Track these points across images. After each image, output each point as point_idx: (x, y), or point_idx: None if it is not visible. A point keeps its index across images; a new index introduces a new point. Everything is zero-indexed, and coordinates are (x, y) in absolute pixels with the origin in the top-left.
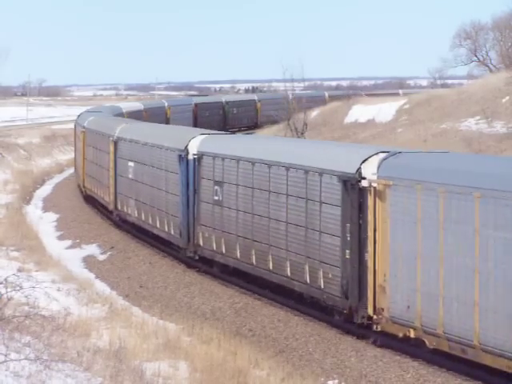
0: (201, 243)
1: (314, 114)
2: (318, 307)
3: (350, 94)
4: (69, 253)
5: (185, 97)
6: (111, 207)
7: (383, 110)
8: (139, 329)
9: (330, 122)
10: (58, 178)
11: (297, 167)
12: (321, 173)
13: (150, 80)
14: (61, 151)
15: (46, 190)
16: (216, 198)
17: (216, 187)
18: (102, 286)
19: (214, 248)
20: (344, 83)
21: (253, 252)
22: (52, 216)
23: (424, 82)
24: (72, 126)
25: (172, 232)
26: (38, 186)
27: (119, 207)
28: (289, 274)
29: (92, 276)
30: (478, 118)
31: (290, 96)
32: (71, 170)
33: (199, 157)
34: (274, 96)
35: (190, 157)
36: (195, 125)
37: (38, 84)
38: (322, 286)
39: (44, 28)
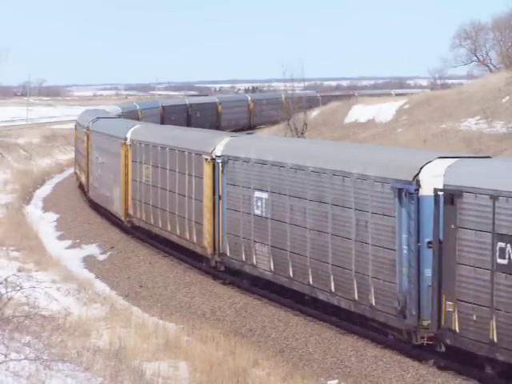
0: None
1: (314, 113)
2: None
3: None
4: (69, 253)
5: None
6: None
7: (383, 110)
8: (139, 329)
9: (329, 122)
10: (58, 178)
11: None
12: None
13: (150, 80)
14: (61, 151)
15: (46, 189)
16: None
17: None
18: (101, 286)
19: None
20: (344, 83)
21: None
22: (52, 216)
23: (424, 82)
24: (72, 125)
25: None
26: (38, 185)
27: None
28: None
29: (92, 276)
30: (477, 117)
31: (249, 98)
32: (71, 170)
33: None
34: (237, 98)
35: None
36: None
37: (38, 84)
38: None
39: (44, 28)
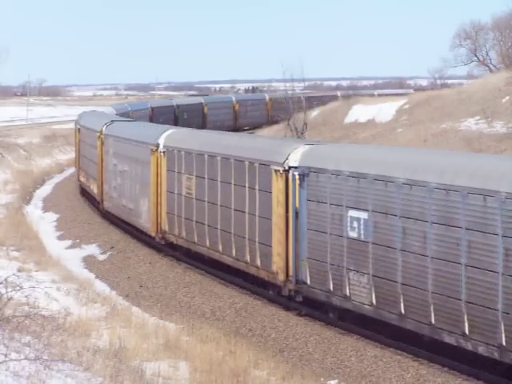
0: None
1: (314, 113)
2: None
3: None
4: (69, 253)
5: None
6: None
7: (383, 110)
8: (139, 329)
9: (329, 122)
10: (58, 178)
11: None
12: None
13: (150, 80)
14: (61, 151)
15: (46, 189)
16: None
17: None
18: (101, 286)
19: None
20: (344, 83)
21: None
22: (52, 216)
23: (424, 82)
24: (72, 125)
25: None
26: (38, 185)
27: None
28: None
29: (92, 276)
30: (477, 117)
31: (233, 99)
32: (71, 170)
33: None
34: (222, 99)
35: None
36: None
37: (38, 84)
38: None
39: (44, 28)
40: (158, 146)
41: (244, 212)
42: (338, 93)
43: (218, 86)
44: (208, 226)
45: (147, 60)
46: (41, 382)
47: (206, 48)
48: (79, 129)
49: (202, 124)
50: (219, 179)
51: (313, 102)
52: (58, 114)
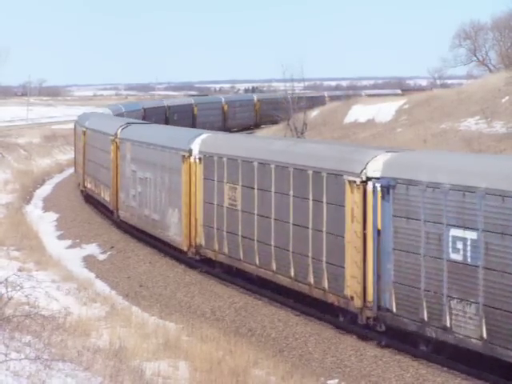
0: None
1: (313, 113)
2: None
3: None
4: (69, 252)
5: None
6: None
7: (383, 110)
8: (139, 328)
9: (329, 122)
10: (58, 178)
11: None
12: None
13: (150, 80)
14: (61, 151)
15: (46, 189)
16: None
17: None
18: (101, 286)
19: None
20: (344, 83)
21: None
22: (52, 216)
23: (424, 82)
24: (72, 125)
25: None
26: (38, 185)
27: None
28: None
29: (92, 276)
30: (477, 117)
31: (222, 100)
32: (71, 170)
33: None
34: (211, 100)
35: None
36: None
37: (38, 84)
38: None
39: (44, 28)
40: (190, 151)
41: (307, 227)
42: (325, 93)
43: (218, 86)
44: (258, 241)
45: (147, 60)
46: (41, 382)
47: (206, 48)
48: (85, 131)
49: (192, 125)
50: (273, 190)
51: (299, 102)
52: (58, 114)
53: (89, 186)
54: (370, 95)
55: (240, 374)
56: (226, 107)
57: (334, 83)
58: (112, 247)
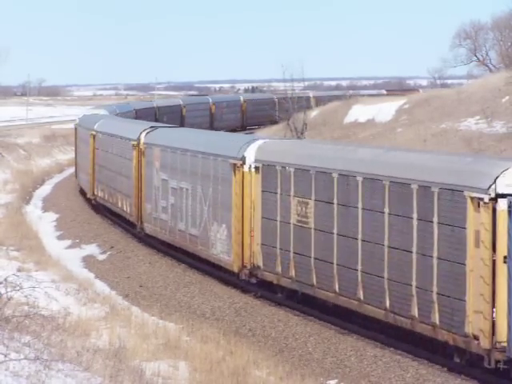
0: None
1: (313, 113)
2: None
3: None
4: (68, 252)
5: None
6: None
7: (383, 110)
8: (139, 328)
9: (329, 122)
10: (57, 178)
11: None
12: None
13: (150, 80)
14: (60, 151)
15: (45, 189)
16: None
17: None
18: (101, 286)
19: None
20: (344, 83)
21: None
22: (52, 216)
23: (424, 82)
24: (72, 125)
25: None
26: (38, 185)
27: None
28: None
29: (92, 276)
30: (477, 117)
31: (210, 101)
32: (71, 170)
33: None
34: (199, 101)
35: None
36: None
37: (38, 84)
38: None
39: (44, 28)
40: (243, 159)
41: (409, 251)
42: (311, 94)
43: (217, 86)
44: (338, 265)
45: (147, 60)
46: (40, 382)
47: (206, 48)
48: (94, 135)
49: (181, 126)
50: (360, 206)
51: (285, 103)
52: (58, 114)
53: (100, 194)
54: (352, 95)
55: (240, 374)
56: (213, 108)
57: (334, 83)
58: (112, 247)
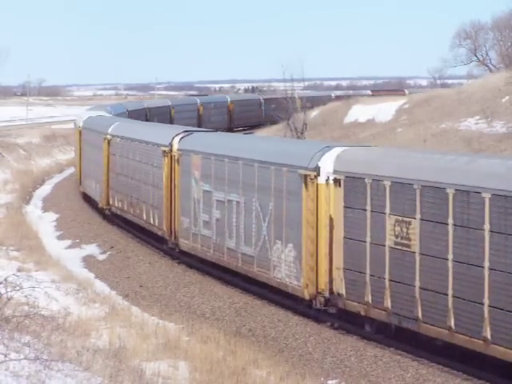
0: None
1: (313, 113)
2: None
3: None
4: (68, 252)
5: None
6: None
7: (383, 110)
8: (139, 328)
9: (329, 122)
10: (57, 178)
11: None
12: None
13: (150, 80)
14: (60, 151)
15: (45, 189)
16: None
17: None
18: (101, 286)
19: None
20: (344, 83)
21: None
22: (52, 216)
23: (424, 82)
24: (72, 125)
25: None
26: (38, 185)
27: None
28: None
29: (92, 276)
30: (477, 117)
31: (198, 102)
32: (71, 170)
33: None
34: (187, 102)
35: None
36: None
37: (38, 84)
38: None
39: (44, 28)
40: (317, 170)
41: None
42: (296, 94)
43: (217, 86)
44: (456, 297)
45: (147, 60)
46: (40, 382)
47: (205, 48)
48: (109, 140)
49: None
50: (487, 228)
51: (270, 104)
52: (58, 114)
53: (118, 204)
54: (338, 96)
55: (240, 373)
56: (201, 109)
57: (334, 83)
58: (112, 247)
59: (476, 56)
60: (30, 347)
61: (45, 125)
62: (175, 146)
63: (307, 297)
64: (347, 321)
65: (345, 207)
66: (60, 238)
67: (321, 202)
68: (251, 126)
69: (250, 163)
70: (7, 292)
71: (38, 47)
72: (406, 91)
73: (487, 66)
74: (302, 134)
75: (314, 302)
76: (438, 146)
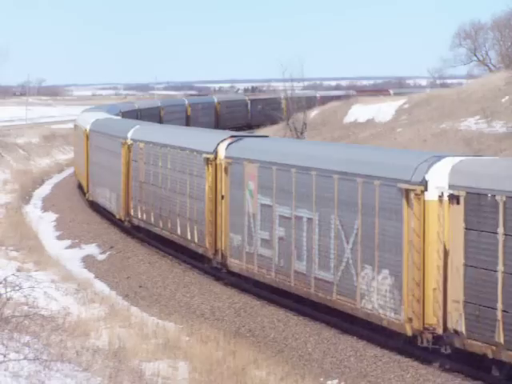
0: None
1: (313, 113)
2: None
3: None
4: (68, 252)
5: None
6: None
7: (383, 110)
8: (138, 329)
9: (329, 122)
10: (57, 178)
11: None
12: None
13: (150, 80)
14: (60, 151)
15: (45, 189)
16: None
17: None
18: (101, 286)
19: None
20: (344, 83)
21: None
22: (51, 216)
23: (424, 82)
24: (71, 125)
25: None
26: (38, 185)
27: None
28: None
29: (91, 276)
30: (477, 117)
31: (186, 103)
32: (70, 170)
33: None
34: (176, 103)
35: None
36: None
37: (38, 84)
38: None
39: (43, 28)
40: (424, 184)
41: None
42: (282, 95)
43: (217, 86)
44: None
45: (147, 60)
46: (40, 382)
47: (205, 48)
48: (129, 145)
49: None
50: None
51: (257, 105)
52: (58, 114)
53: (142, 216)
54: (323, 96)
55: (240, 374)
56: (189, 110)
57: (334, 83)
58: (111, 247)
59: (476, 56)
60: (30, 347)
61: (44, 125)
62: (221, 154)
63: (409, 332)
64: (464, 362)
65: (466, 229)
66: (59, 238)
67: (429, 222)
68: (238, 128)
69: (326, 174)
70: (7, 292)
71: (37, 47)
72: (391, 91)
73: (487, 65)
74: (301, 133)
75: (418, 338)
76: (438, 146)
